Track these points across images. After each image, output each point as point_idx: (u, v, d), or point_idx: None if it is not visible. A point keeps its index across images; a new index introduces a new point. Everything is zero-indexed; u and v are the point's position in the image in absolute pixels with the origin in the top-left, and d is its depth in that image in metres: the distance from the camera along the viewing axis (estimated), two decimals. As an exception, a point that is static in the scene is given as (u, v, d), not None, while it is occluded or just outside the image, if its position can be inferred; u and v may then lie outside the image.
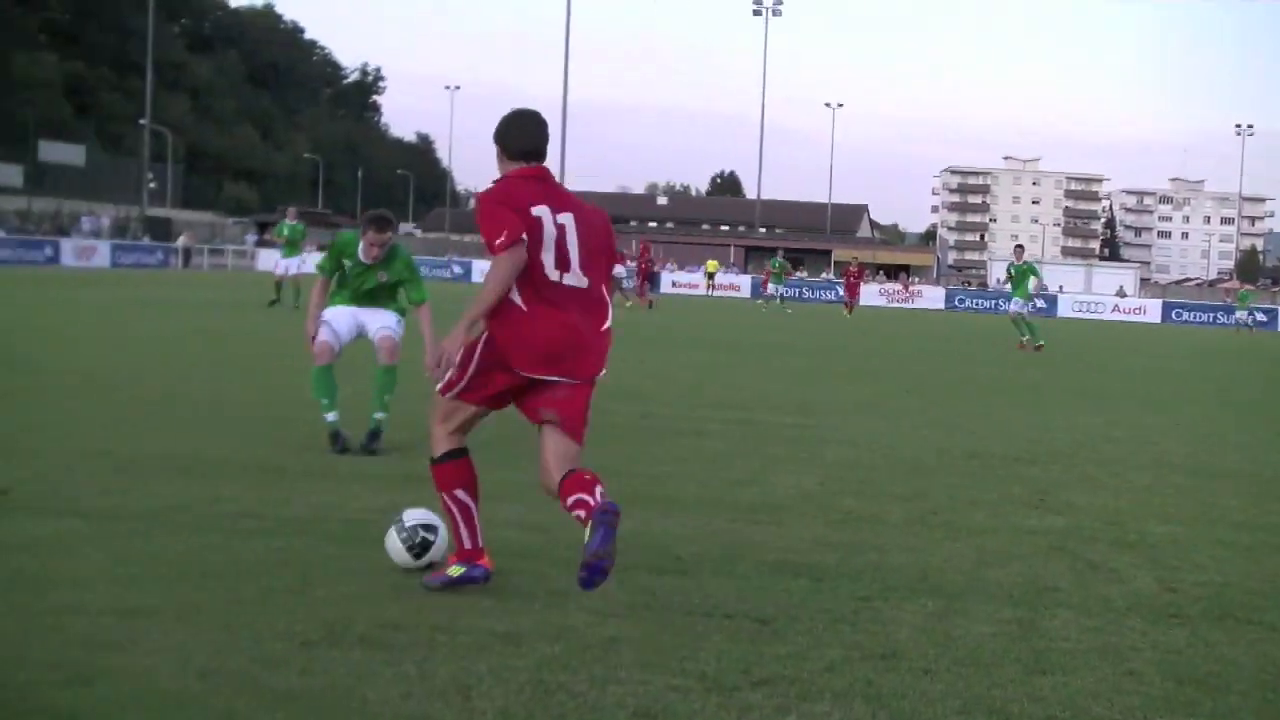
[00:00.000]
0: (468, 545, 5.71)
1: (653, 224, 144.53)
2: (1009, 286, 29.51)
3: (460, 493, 5.66)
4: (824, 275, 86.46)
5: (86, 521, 6.59)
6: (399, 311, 9.64)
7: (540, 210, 5.43)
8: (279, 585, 5.63)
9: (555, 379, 5.42)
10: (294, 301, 28.27)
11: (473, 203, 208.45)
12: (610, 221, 5.78)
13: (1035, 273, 29.72)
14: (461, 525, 5.68)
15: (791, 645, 5.23)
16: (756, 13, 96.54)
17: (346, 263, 9.32)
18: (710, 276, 72.96)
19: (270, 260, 73.21)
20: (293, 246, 30.04)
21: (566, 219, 5.49)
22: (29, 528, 6.40)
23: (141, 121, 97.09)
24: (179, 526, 6.61)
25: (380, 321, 9.53)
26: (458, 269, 74.41)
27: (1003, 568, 6.80)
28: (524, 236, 5.30)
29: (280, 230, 30.95)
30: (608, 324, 5.61)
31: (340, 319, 9.41)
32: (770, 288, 52.00)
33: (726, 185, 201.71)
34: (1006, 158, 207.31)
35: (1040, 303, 29.02)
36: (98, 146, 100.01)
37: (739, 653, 5.08)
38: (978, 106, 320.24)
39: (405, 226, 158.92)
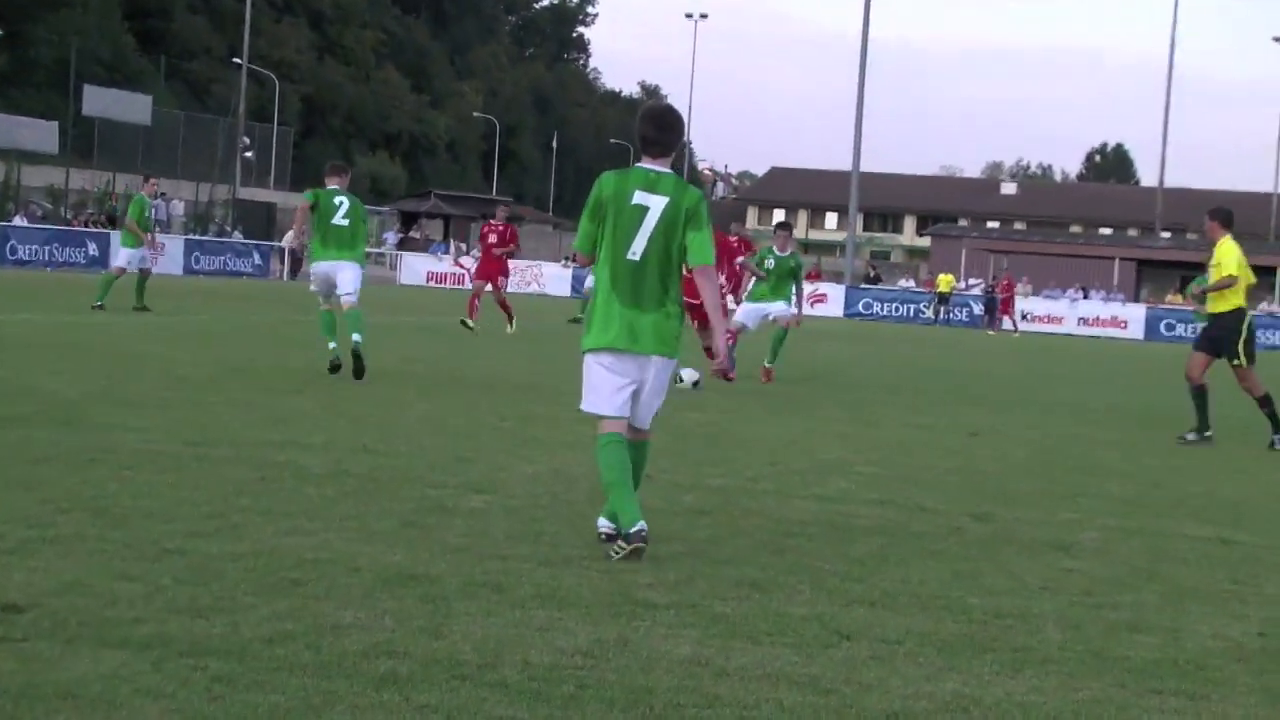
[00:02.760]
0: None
1: (993, 224, 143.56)
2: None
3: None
4: (1268, 305, 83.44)
5: (134, 654, 6.78)
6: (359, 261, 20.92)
7: None
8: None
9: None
10: (137, 302, 32.55)
11: (720, 189, 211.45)
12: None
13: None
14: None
15: None
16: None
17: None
18: (943, 299, 72.33)
19: (418, 268, 75.29)
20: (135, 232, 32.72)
21: None
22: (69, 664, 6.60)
23: (236, 60, 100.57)
24: (284, 665, 6.75)
25: (345, 288, 20.47)
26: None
27: None
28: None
29: (138, 208, 33.30)
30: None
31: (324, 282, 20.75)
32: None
33: (1109, 166, 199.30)
34: None
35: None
36: (169, 96, 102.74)
37: None
38: None
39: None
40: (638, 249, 9.65)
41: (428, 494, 11.54)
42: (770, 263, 26.69)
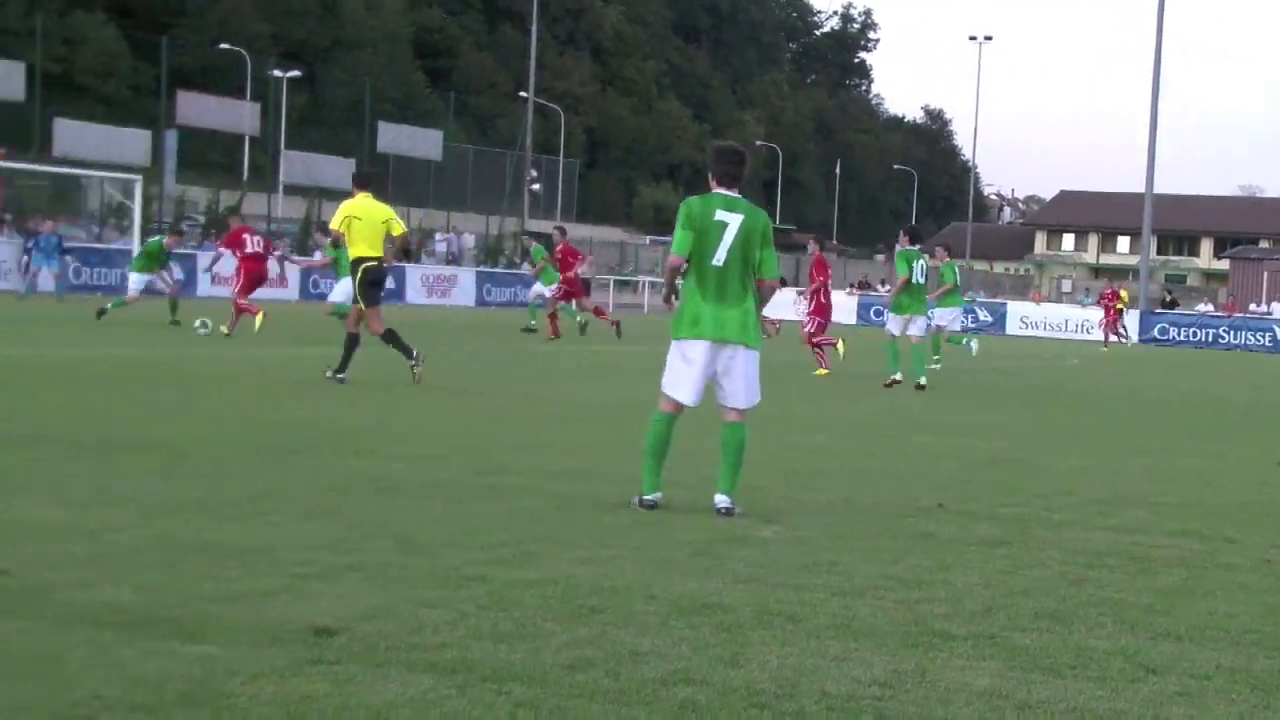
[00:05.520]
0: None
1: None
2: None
3: None
4: None
5: (440, 679, 6.93)
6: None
7: None
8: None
9: None
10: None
11: (1006, 214, 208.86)
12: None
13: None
14: None
15: None
16: None
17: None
18: (1118, 313, 65.92)
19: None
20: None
21: None
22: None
23: (521, 93, 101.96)
24: (584, 692, 6.85)
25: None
26: (984, 314, 73.81)
27: None
28: None
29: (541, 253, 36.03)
30: None
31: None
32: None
33: None
34: None
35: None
36: (458, 131, 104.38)
37: None
38: None
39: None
40: (721, 257, 11.82)
41: (717, 524, 11.62)
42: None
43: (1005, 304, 77.79)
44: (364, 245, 22.21)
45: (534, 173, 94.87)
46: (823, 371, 30.16)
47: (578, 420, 19.08)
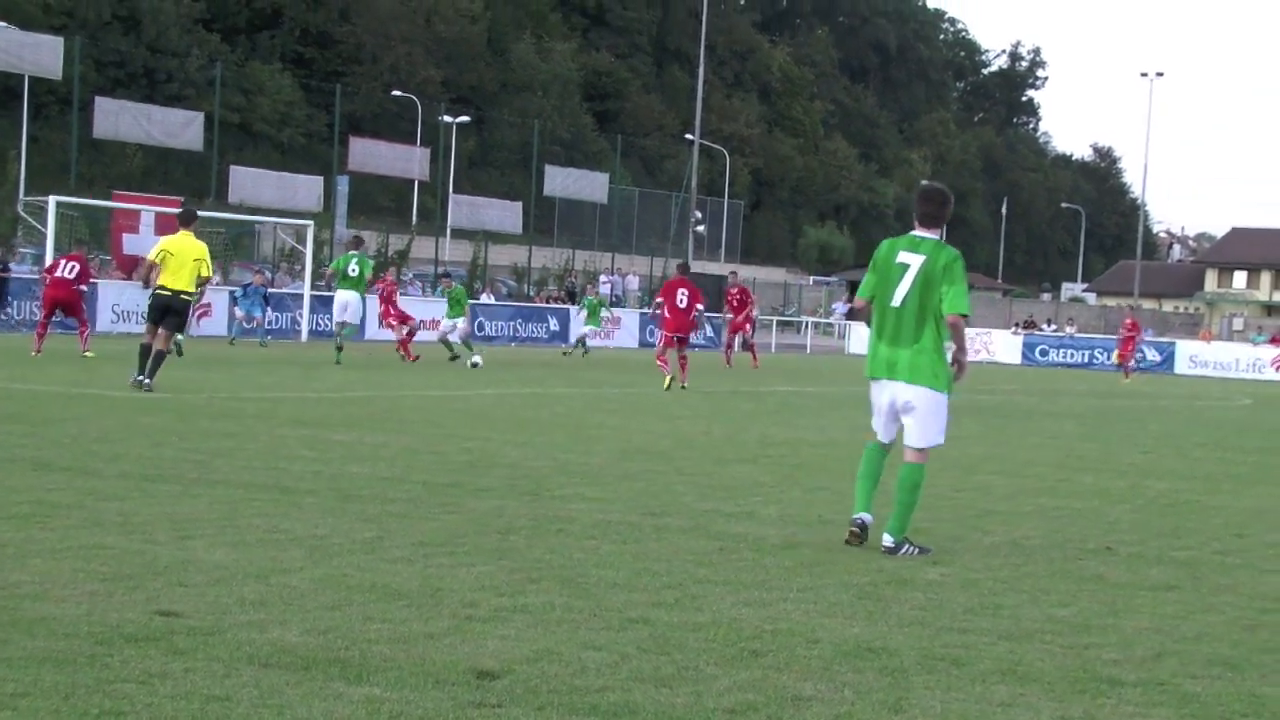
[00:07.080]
0: None
1: None
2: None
3: None
4: None
5: None
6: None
7: None
8: None
9: None
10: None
11: (1176, 252, 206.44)
12: None
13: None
14: None
15: None
16: None
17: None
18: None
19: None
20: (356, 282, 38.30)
21: None
22: None
23: (687, 135, 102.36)
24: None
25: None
26: (1154, 354, 73.02)
27: None
28: None
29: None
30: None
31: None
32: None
33: None
34: None
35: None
36: (624, 173, 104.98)
37: None
38: None
39: (1071, 288, 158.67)
40: (899, 298, 12.07)
41: (884, 565, 11.55)
42: None
43: (1174, 343, 76.75)
44: (169, 277, 24.88)
45: (699, 214, 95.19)
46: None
47: (741, 461, 19.04)
